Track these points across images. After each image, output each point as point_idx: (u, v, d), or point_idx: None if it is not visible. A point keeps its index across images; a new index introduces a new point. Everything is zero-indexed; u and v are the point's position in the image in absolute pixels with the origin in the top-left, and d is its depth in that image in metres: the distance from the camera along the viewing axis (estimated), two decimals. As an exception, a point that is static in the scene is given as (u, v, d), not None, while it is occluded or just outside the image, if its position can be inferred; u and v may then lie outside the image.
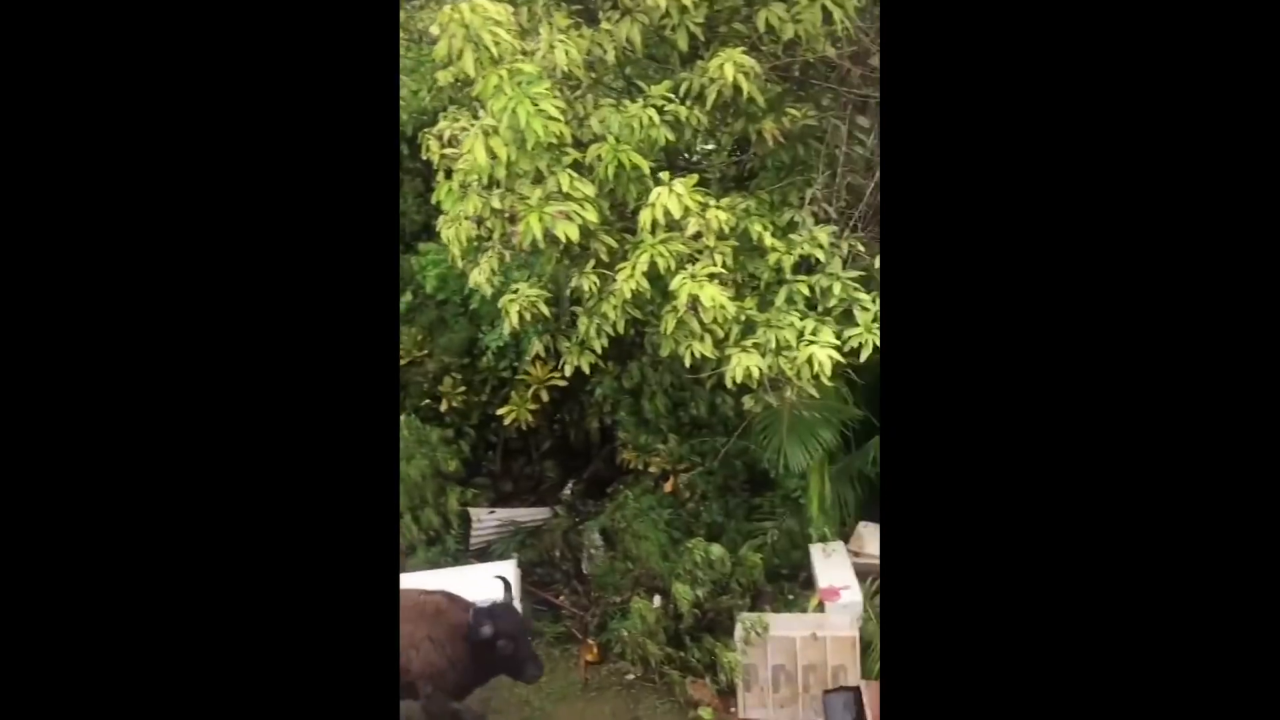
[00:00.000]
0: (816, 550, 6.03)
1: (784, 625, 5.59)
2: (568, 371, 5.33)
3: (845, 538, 6.16)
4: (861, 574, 5.87)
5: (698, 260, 4.52)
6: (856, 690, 5.25)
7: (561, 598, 6.54)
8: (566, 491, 7.08)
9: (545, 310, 4.98)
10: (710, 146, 6.05)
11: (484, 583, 5.81)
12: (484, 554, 6.74)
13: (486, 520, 6.84)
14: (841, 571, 5.87)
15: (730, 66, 4.41)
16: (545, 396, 6.65)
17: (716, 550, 5.95)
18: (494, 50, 4.10)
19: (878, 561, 6.08)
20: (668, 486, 6.49)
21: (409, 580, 5.48)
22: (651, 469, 6.57)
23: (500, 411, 6.75)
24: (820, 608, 5.75)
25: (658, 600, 6.05)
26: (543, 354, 5.48)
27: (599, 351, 5.06)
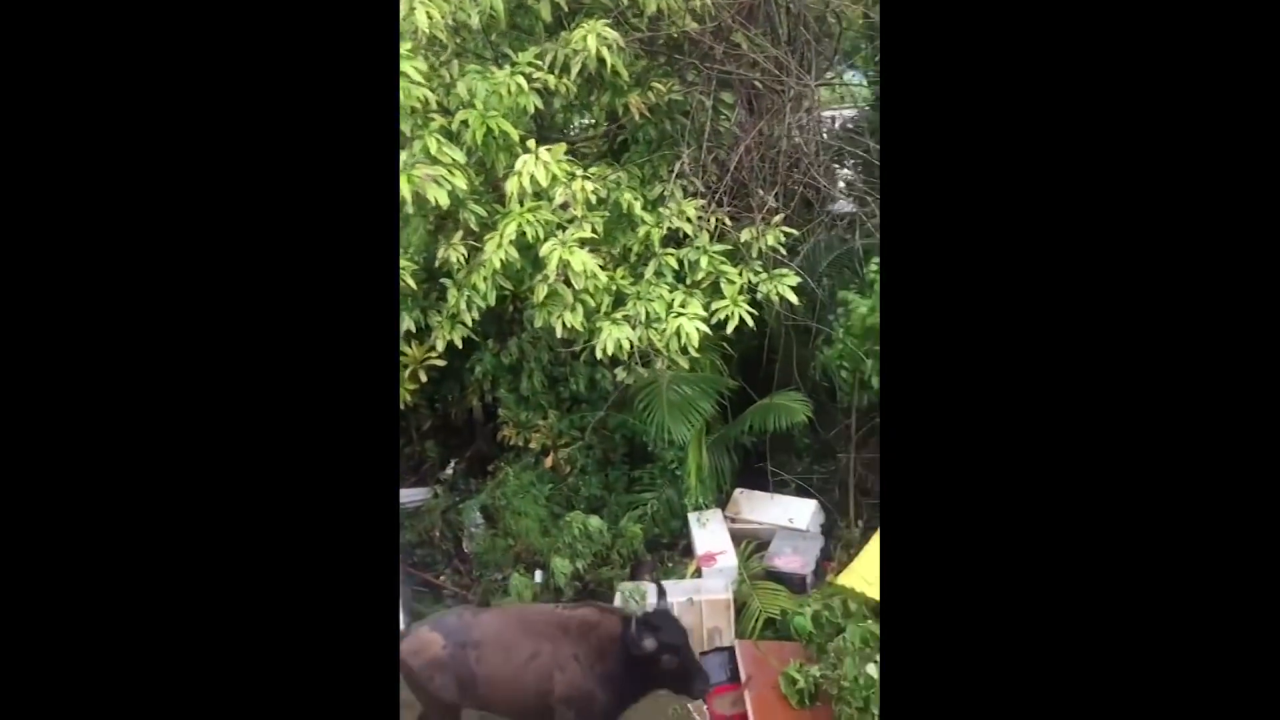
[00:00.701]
0: (694, 518, 6.20)
1: (662, 592, 5.71)
2: (440, 346, 5.25)
3: (722, 504, 6.35)
4: (737, 538, 6.07)
5: (567, 229, 4.55)
6: (731, 650, 5.42)
7: (443, 578, 6.47)
8: (448, 471, 6.98)
9: (413, 284, 4.90)
10: (588, 121, 6.10)
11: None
12: (361, 538, 6.57)
13: (364, 504, 6.67)
14: (718, 537, 6.05)
15: (593, 38, 4.46)
16: (424, 376, 6.52)
17: (595, 522, 6.02)
18: (351, 10, 3.99)
19: (753, 525, 6.33)
20: (548, 462, 6.50)
21: None
22: (532, 445, 6.57)
23: (376, 392, 6.59)
24: (698, 573, 5.92)
25: (539, 575, 6.08)
26: (413, 329, 5.38)
27: (470, 325, 5.02)
